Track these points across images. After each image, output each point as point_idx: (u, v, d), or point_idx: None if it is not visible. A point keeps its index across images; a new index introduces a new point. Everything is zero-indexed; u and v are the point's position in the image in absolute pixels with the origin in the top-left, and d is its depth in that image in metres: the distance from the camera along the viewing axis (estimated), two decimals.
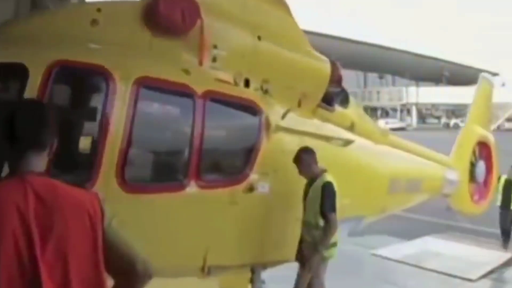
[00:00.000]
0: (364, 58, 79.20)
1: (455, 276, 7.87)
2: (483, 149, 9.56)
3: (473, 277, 7.84)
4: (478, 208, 9.52)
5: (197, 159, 3.60)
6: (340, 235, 4.94)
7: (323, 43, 62.63)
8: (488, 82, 10.67)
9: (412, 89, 77.02)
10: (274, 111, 4.18)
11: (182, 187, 3.55)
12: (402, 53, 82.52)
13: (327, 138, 4.93)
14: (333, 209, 4.46)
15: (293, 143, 4.39)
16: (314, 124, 4.82)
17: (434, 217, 12.69)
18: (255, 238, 4.19)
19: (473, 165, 9.17)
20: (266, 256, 4.40)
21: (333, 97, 5.16)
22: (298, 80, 4.47)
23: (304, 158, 4.38)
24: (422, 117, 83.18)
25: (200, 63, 3.66)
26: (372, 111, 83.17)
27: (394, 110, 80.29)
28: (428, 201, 8.25)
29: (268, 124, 4.03)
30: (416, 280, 7.94)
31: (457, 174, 8.54)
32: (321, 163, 4.64)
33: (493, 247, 9.75)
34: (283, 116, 4.25)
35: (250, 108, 4.02)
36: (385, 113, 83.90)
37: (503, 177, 10.33)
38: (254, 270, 4.45)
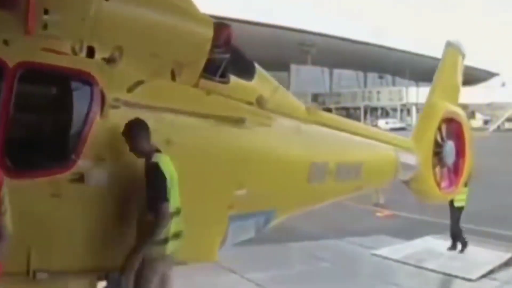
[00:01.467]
0: (364, 58, 79.24)
1: (455, 276, 7.87)
2: (452, 127, 8.05)
3: (473, 277, 7.84)
4: (447, 196, 8.40)
5: (2, 143, 3.05)
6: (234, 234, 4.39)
7: (323, 43, 62.45)
8: (456, 49, 8.68)
9: (412, 89, 76.96)
10: (118, 84, 3.49)
11: None
12: (402, 53, 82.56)
13: (210, 116, 4.03)
14: (159, 197, 3.49)
15: (147, 122, 3.57)
16: (189, 99, 3.93)
17: (434, 217, 12.70)
18: (91, 238, 3.46)
19: (439, 146, 7.72)
20: (108, 260, 3.53)
21: (226, 66, 4.22)
22: (166, 46, 3.67)
23: (132, 132, 3.47)
24: None
25: (27, 32, 3.20)
26: (372, 111, 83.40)
27: (394, 110, 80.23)
28: (371, 191, 8.04)
29: (102, 99, 3.36)
30: (416, 280, 7.94)
31: (415, 157, 7.32)
32: (200, 145, 3.93)
33: (493, 247, 9.75)
34: (131, 89, 3.51)
35: (81, 81, 3.40)
36: (385, 113, 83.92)
37: None
38: (109, 277, 3.64)
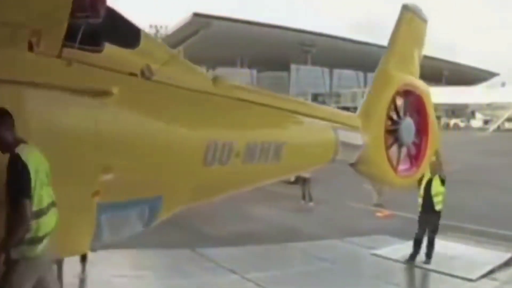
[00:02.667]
0: (364, 58, 79.23)
1: (455, 276, 7.87)
2: (411, 102, 7.12)
3: (473, 277, 7.83)
4: (406, 180, 7.27)
5: None
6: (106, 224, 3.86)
7: (323, 43, 62.57)
8: (415, 14, 7.50)
9: None
10: None
11: None
12: None
13: (67, 90, 3.49)
14: (20, 194, 3.10)
15: None
16: (42, 71, 3.41)
17: None
18: None
19: (395, 123, 6.78)
20: None
21: (99, 32, 3.66)
22: (13, 12, 3.12)
23: None
24: None
25: None
26: None
27: None
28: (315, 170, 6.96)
29: None
30: (416, 280, 7.94)
31: (361, 135, 6.40)
32: (53, 122, 3.45)
33: (493, 247, 9.74)
34: None
35: None
36: None
37: (427, 176, 8.69)
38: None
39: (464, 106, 77.68)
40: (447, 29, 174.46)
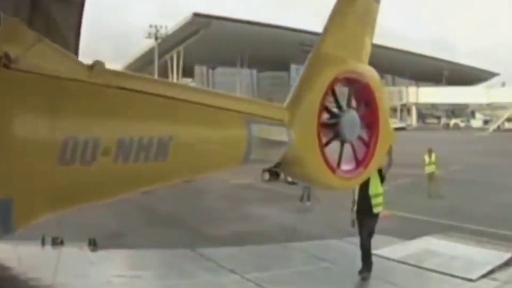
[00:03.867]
0: None
1: (455, 276, 7.86)
2: (357, 91, 5.92)
3: (473, 277, 7.83)
4: (350, 182, 6.15)
5: None
6: None
7: None
8: None
9: (412, 89, 77.03)
10: None
11: None
12: (402, 53, 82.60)
13: None
14: None
15: None
16: None
17: (434, 217, 12.71)
18: None
19: (335, 116, 5.64)
20: None
21: None
22: None
23: None
24: (422, 117, 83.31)
25: None
26: None
27: (394, 110, 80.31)
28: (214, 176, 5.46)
29: None
30: (416, 280, 7.93)
31: (284, 129, 5.30)
32: None
33: (493, 247, 9.74)
34: None
35: None
36: None
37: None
38: None
39: (464, 106, 77.74)
40: (447, 28, 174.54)
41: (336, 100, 5.75)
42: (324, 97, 5.51)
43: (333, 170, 5.65)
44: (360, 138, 5.92)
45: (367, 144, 6.05)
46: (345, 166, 5.88)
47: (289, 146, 5.26)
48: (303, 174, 5.72)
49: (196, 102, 4.61)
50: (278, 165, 5.55)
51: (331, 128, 5.65)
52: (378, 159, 6.31)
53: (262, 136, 5.05)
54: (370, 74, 6.22)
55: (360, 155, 6.01)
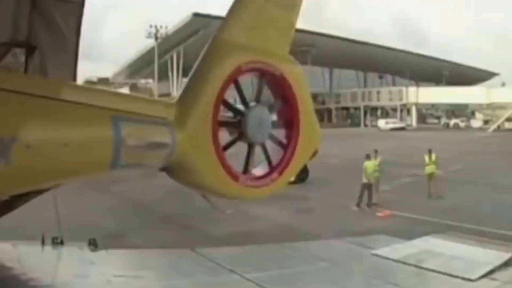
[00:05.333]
0: (364, 58, 79.29)
1: (455, 276, 7.86)
2: (269, 84, 5.07)
3: (473, 277, 7.83)
4: (260, 190, 5.10)
5: None
6: None
7: (323, 43, 62.47)
8: None
9: (412, 89, 77.07)
10: None
11: None
12: (402, 53, 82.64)
13: None
14: None
15: None
16: None
17: (434, 217, 12.72)
18: None
19: (239, 113, 4.81)
20: None
21: None
22: None
23: None
24: (422, 117, 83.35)
25: None
26: (372, 111, 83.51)
27: (394, 110, 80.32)
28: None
29: None
30: (416, 280, 7.93)
31: (167, 129, 4.42)
32: None
33: (493, 247, 9.74)
34: None
35: None
36: (385, 113, 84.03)
37: None
38: None
39: (464, 106, 77.76)
40: (447, 28, 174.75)
41: (241, 95, 4.86)
42: (223, 91, 4.59)
43: (235, 177, 4.76)
44: (275, 139, 5.09)
45: (284, 147, 5.16)
46: (257, 172, 5.05)
47: (174, 148, 4.38)
48: (196, 182, 4.79)
49: (49, 97, 3.83)
50: (165, 170, 4.67)
51: (234, 127, 4.82)
52: (298, 164, 5.34)
53: (134, 136, 4.19)
54: (288, 65, 5.16)
55: (275, 160, 5.14)
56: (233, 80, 4.70)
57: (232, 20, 4.87)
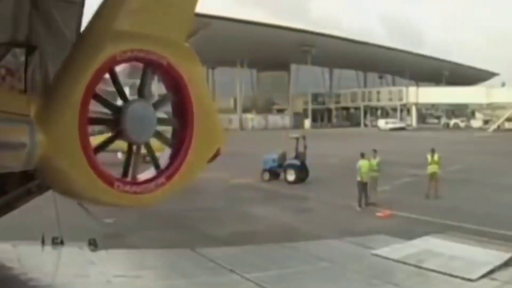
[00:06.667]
0: (364, 58, 79.26)
1: (455, 276, 7.87)
2: (157, 76, 4.45)
3: (473, 277, 7.83)
4: (139, 197, 4.31)
5: None
6: None
7: (323, 43, 62.39)
8: None
9: (412, 89, 77.07)
10: None
11: None
12: (402, 53, 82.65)
13: None
14: None
15: None
16: None
17: (434, 217, 12.71)
18: None
19: (114, 110, 4.17)
20: None
21: None
22: None
23: None
24: (422, 117, 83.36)
25: None
26: (372, 111, 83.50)
27: (394, 110, 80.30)
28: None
29: None
30: (416, 280, 7.93)
31: (22, 126, 3.89)
32: None
33: (493, 247, 9.74)
34: None
35: None
36: (385, 113, 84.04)
37: None
38: None
39: (464, 106, 77.74)
40: (446, 28, 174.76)
41: (118, 88, 4.26)
42: (93, 84, 3.98)
43: (109, 182, 4.14)
44: (162, 139, 4.48)
45: (174, 148, 4.53)
46: (142, 177, 4.40)
47: (34, 149, 3.85)
48: (66, 188, 4.23)
49: None
50: (35, 174, 4.24)
51: (111, 125, 4.21)
52: (195, 167, 4.65)
53: None
54: (182, 54, 4.49)
55: (163, 162, 4.52)
56: (108, 71, 4.08)
57: (112, 4, 4.20)
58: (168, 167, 4.42)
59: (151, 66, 4.29)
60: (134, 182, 4.29)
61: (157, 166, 4.39)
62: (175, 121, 4.50)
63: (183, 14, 4.60)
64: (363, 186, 14.78)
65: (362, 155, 15.38)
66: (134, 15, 4.17)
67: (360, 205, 14.54)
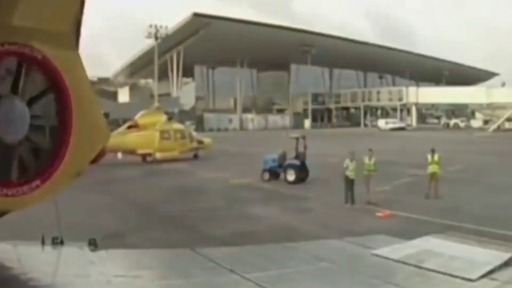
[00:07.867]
0: (364, 58, 79.30)
1: (455, 276, 7.87)
2: (29, 71, 4.06)
3: (473, 277, 7.83)
4: (10, 200, 4.00)
5: None
6: None
7: (323, 43, 62.67)
8: None
9: (412, 89, 77.11)
10: None
11: None
12: (402, 53, 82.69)
13: None
14: None
15: None
16: None
17: (434, 217, 12.72)
18: None
19: None
20: None
21: None
22: None
23: None
24: (422, 117, 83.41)
25: None
26: (372, 111, 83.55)
27: (394, 110, 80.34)
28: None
29: None
30: (416, 280, 7.93)
31: None
32: None
33: (493, 247, 9.74)
34: None
35: None
36: (385, 113, 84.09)
37: None
38: None
39: (464, 106, 77.80)
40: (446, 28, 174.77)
41: None
42: None
43: None
44: (36, 138, 4.15)
45: (52, 147, 4.22)
46: (15, 179, 4.05)
47: None
48: None
49: None
50: None
51: None
52: (74, 168, 4.37)
53: None
54: (58, 46, 4.17)
55: (38, 164, 4.19)
56: None
57: None
58: (44, 168, 4.12)
59: (25, 60, 3.98)
60: (5, 185, 3.96)
61: (27, 168, 4.10)
62: (52, 119, 4.15)
63: (67, 5, 4.27)
64: (350, 183, 14.84)
65: (352, 154, 15.36)
66: (10, 8, 3.82)
67: (346, 201, 14.61)
